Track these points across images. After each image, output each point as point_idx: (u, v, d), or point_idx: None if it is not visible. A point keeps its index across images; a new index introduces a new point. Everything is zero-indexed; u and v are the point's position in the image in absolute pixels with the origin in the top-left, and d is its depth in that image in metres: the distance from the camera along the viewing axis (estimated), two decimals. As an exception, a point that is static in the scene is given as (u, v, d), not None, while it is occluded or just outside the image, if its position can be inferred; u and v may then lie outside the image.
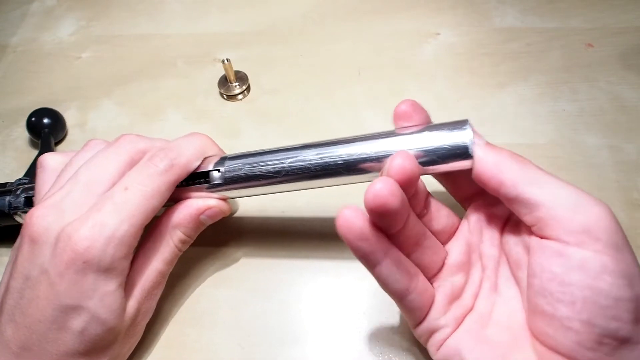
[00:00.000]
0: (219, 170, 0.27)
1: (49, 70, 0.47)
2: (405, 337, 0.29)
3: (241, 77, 0.42)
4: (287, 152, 0.26)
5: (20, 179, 0.35)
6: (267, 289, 0.31)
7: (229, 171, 0.27)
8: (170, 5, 0.50)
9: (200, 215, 0.28)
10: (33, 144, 0.41)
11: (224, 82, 0.42)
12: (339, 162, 0.25)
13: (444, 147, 0.23)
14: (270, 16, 0.48)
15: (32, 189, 0.31)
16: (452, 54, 0.42)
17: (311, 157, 0.26)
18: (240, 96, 0.42)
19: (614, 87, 0.38)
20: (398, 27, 0.45)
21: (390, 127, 0.38)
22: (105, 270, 0.24)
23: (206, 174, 0.28)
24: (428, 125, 0.25)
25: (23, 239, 0.24)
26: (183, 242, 0.28)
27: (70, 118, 0.42)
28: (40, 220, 0.24)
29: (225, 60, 0.40)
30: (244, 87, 0.42)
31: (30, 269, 0.24)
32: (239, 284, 0.32)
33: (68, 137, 0.42)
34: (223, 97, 0.42)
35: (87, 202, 0.25)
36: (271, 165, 0.26)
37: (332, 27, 0.46)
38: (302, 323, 0.30)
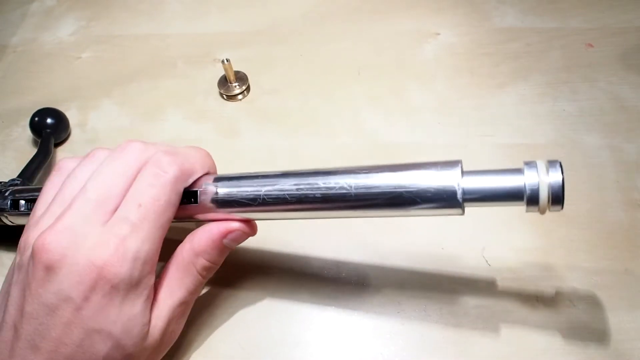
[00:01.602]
0: (196, 192, 0.26)
1: (49, 70, 0.47)
2: (406, 336, 0.29)
3: (241, 77, 0.42)
4: (266, 179, 0.25)
5: (13, 179, 0.34)
6: (267, 288, 0.31)
7: (205, 193, 0.26)
8: (170, 5, 0.50)
9: (223, 239, 0.27)
10: (36, 143, 0.41)
11: (223, 82, 0.42)
12: (317, 195, 0.24)
13: (431, 189, 0.22)
14: (270, 16, 0.48)
15: (22, 191, 0.31)
16: (452, 54, 0.42)
17: (288, 187, 0.24)
18: (240, 96, 0.42)
19: (614, 87, 0.38)
20: (398, 27, 0.45)
21: (389, 130, 0.38)
22: (132, 291, 0.23)
23: (188, 193, 0.26)
24: (416, 163, 0.23)
25: (35, 265, 0.23)
26: (207, 269, 0.27)
27: (70, 118, 0.42)
28: (54, 245, 0.23)
29: (225, 61, 0.40)
30: (244, 87, 0.42)
31: (48, 296, 0.23)
32: (238, 283, 0.32)
33: (71, 138, 0.41)
34: (223, 97, 0.42)
35: (101, 220, 0.24)
36: (248, 192, 0.25)
37: (332, 27, 0.46)
38: (302, 323, 0.30)
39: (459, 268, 0.31)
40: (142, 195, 0.24)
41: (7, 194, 0.31)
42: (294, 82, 0.42)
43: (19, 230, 0.34)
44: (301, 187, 0.24)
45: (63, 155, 0.40)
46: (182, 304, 0.26)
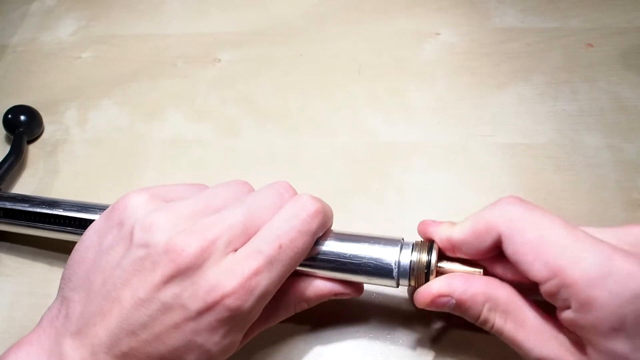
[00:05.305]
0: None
1: (49, 70, 0.47)
2: (406, 336, 0.29)
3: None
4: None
5: None
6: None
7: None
8: (170, 5, 0.50)
9: (333, 296, 0.27)
10: (9, 140, 0.41)
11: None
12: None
13: (372, 262, 0.25)
14: (270, 16, 0.48)
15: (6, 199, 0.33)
16: (452, 54, 0.42)
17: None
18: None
19: (614, 87, 0.38)
20: (398, 27, 0.45)
21: (389, 130, 0.38)
22: (244, 323, 0.24)
23: None
24: (367, 236, 0.26)
25: (167, 262, 0.22)
26: (302, 309, 0.28)
27: (70, 118, 0.42)
28: (195, 254, 0.22)
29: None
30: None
31: (167, 295, 0.22)
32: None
33: (71, 138, 0.41)
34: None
35: (241, 242, 0.24)
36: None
37: (332, 27, 0.46)
38: (301, 322, 0.30)
39: (459, 268, 0.31)
40: (284, 236, 0.24)
41: None
42: (294, 82, 0.42)
43: (17, 234, 0.34)
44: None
45: (36, 151, 0.41)
46: (264, 329, 0.27)
